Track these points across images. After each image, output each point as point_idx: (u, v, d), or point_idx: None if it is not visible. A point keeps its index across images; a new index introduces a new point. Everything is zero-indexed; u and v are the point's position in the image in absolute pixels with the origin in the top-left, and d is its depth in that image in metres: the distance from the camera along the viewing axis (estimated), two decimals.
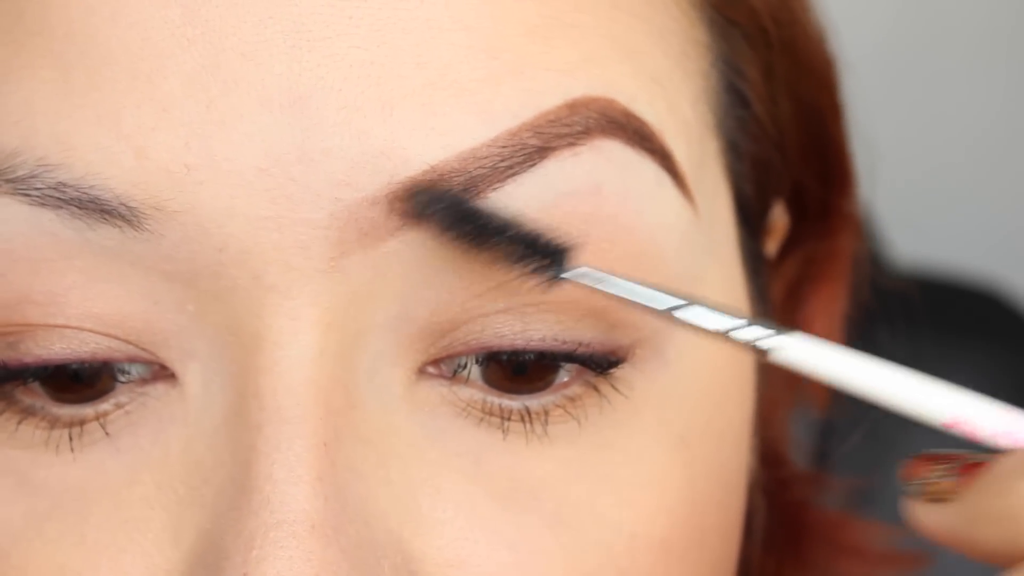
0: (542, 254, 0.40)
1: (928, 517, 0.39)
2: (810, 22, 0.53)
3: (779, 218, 0.54)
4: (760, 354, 0.40)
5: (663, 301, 0.41)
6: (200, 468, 0.40)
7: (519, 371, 0.42)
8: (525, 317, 0.41)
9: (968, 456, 0.39)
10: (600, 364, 0.42)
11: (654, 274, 0.43)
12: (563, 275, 0.40)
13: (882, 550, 0.59)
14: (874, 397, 0.39)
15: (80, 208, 0.39)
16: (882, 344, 0.65)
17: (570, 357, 0.42)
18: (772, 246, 0.55)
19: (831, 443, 0.60)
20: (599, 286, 0.41)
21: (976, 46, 1.20)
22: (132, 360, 0.41)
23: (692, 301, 0.41)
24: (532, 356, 0.42)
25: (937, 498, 0.38)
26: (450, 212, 0.39)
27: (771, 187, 0.51)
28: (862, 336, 0.62)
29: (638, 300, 0.41)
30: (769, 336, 0.40)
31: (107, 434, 0.41)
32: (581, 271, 0.40)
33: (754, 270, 0.50)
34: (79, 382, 0.41)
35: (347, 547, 0.39)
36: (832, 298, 0.58)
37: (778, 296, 0.57)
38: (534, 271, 0.40)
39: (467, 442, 0.41)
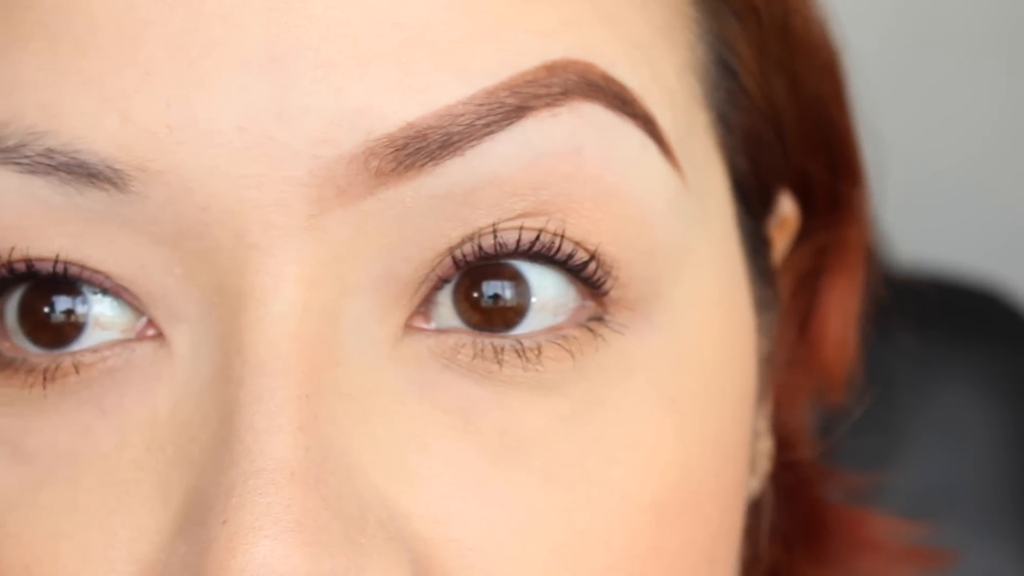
0: None
1: None
2: (809, 9, 0.53)
3: (788, 211, 0.54)
4: None
5: None
6: (188, 427, 0.41)
7: (490, 298, 0.42)
8: None
9: None
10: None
11: (640, 240, 0.43)
12: None
13: (903, 546, 0.58)
14: None
15: (68, 173, 0.40)
16: (881, 345, 0.64)
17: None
18: (782, 241, 0.55)
19: (838, 435, 0.59)
20: None
21: (978, 47, 1.19)
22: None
23: None
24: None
25: None
26: None
27: (767, 165, 0.51)
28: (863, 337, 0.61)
29: None
30: None
31: (78, 375, 0.41)
32: None
33: (754, 249, 0.50)
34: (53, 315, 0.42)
35: (328, 497, 0.39)
36: (847, 291, 0.58)
37: (788, 288, 0.56)
38: None
39: (456, 397, 0.42)
